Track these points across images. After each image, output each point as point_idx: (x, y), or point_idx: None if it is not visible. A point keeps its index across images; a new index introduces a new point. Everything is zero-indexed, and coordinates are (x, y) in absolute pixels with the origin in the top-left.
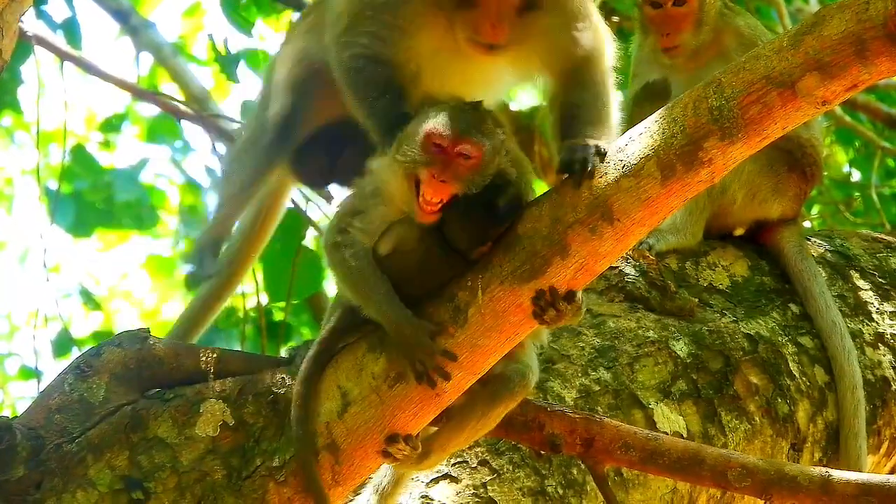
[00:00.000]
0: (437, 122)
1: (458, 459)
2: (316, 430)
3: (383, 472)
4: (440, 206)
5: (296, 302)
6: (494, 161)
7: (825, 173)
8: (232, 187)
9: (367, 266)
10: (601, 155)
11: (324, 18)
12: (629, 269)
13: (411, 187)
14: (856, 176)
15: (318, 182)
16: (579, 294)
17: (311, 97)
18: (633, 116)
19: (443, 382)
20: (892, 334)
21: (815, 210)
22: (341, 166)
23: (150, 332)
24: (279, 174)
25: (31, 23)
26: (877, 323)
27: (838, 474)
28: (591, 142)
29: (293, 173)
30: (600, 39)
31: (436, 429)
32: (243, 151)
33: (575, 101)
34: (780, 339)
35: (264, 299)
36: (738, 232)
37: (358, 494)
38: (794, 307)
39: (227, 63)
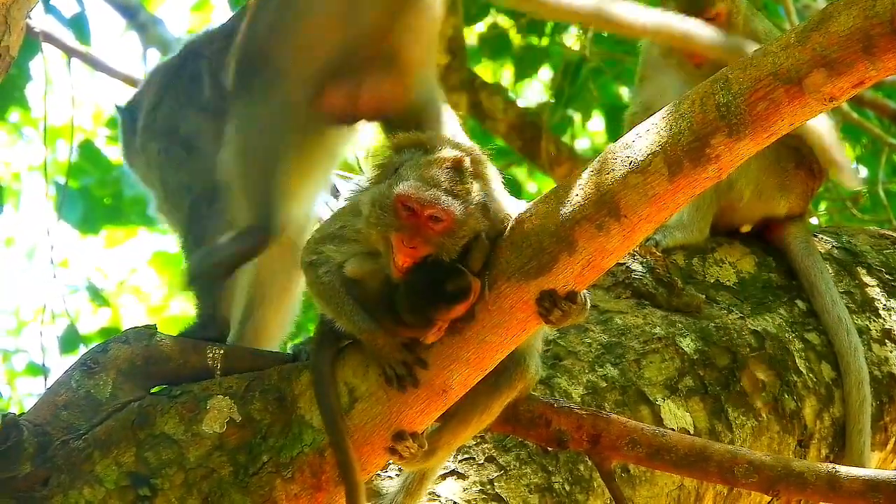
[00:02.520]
0: (407, 186)
1: (465, 456)
2: (314, 426)
3: (396, 484)
4: (408, 268)
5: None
6: (468, 223)
7: None
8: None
9: (339, 283)
10: None
11: None
12: (636, 266)
13: (386, 244)
14: (863, 172)
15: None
16: (582, 293)
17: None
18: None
19: (451, 378)
20: None
21: (821, 206)
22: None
23: (157, 328)
24: None
25: (38, 19)
26: (883, 319)
27: (845, 470)
28: None
29: None
30: None
31: (438, 423)
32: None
33: None
34: (786, 335)
35: None
36: (745, 228)
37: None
38: (800, 303)
39: None
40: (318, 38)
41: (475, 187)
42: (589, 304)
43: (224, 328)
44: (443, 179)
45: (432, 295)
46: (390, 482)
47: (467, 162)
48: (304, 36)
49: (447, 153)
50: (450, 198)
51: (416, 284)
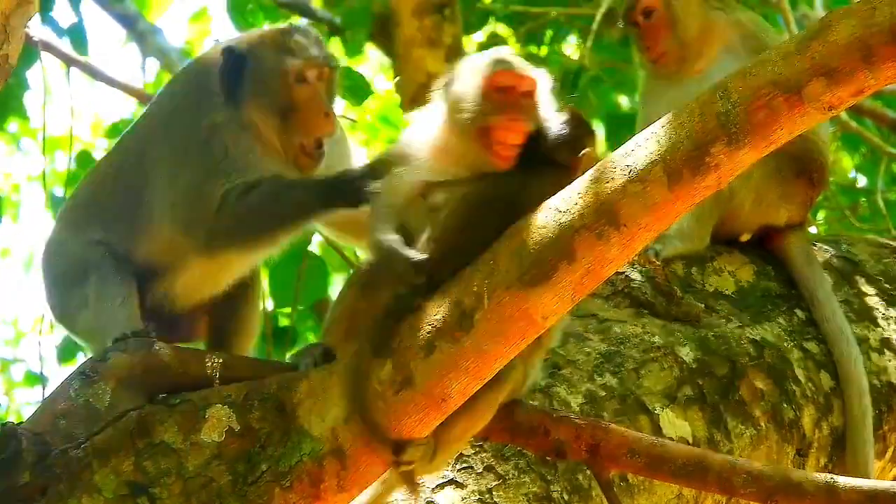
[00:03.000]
0: (493, 69)
1: (464, 465)
2: (312, 435)
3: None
4: (516, 149)
5: (302, 308)
6: (548, 98)
7: (831, 179)
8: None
9: (378, 204)
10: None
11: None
12: (635, 275)
13: (477, 142)
14: (862, 181)
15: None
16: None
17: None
18: None
19: (449, 387)
20: None
21: (820, 215)
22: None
23: (156, 337)
24: None
25: (37, 28)
26: (882, 328)
27: (844, 480)
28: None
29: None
30: None
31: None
32: (94, 274)
33: None
34: (785, 344)
35: (270, 305)
36: (745, 237)
37: None
38: (799, 313)
39: None
40: None
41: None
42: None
43: None
44: (520, 61)
45: (580, 129)
46: None
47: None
48: None
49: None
50: (530, 69)
51: (560, 132)
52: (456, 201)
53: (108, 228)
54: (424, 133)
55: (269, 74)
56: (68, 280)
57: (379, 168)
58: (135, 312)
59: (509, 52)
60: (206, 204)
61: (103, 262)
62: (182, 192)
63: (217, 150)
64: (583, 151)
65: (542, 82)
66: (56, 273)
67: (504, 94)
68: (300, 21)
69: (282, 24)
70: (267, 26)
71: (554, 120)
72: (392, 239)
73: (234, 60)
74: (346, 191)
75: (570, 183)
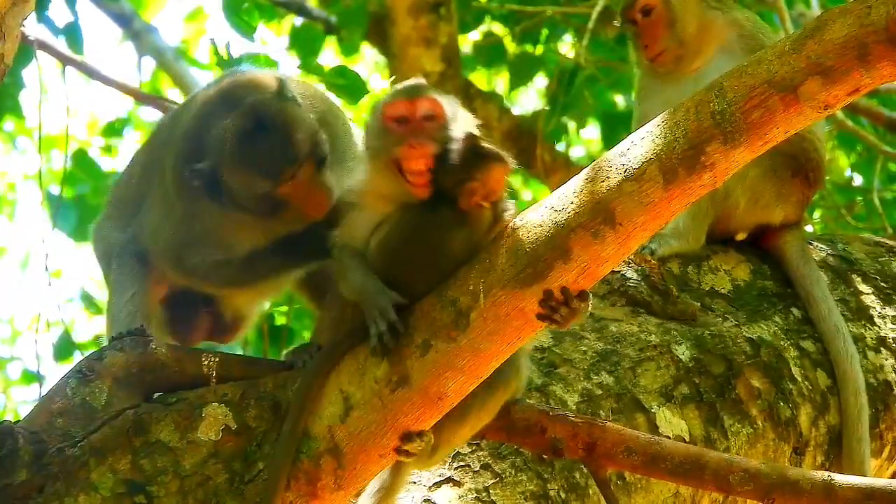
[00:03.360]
0: (388, 101)
1: (461, 463)
2: (309, 434)
3: (373, 486)
4: (428, 174)
5: (297, 306)
6: (456, 115)
7: (827, 178)
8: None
9: (344, 253)
10: None
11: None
12: (631, 274)
13: (395, 172)
14: (858, 180)
15: (196, 336)
16: (590, 293)
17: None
18: None
19: (446, 385)
20: (894, 338)
21: (817, 214)
22: (225, 319)
23: (152, 336)
24: None
25: (32, 27)
26: (879, 327)
27: (840, 478)
28: None
29: (172, 334)
30: None
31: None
32: (116, 267)
33: None
34: (782, 343)
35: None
36: (741, 236)
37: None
38: (796, 311)
39: (230, 67)
40: None
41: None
42: (590, 306)
43: None
44: (417, 86)
45: (478, 159)
46: None
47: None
48: None
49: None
50: (431, 93)
51: (453, 159)
52: (376, 246)
53: (131, 225)
54: (359, 176)
55: (243, 193)
56: (103, 263)
57: (338, 215)
58: (139, 310)
59: (415, 81)
60: (180, 263)
61: (123, 253)
62: (163, 244)
63: (197, 229)
64: (468, 193)
65: (445, 104)
66: (97, 255)
67: (401, 125)
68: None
69: (245, 101)
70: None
71: (454, 144)
72: (369, 280)
73: (203, 178)
74: (314, 247)
75: (463, 218)
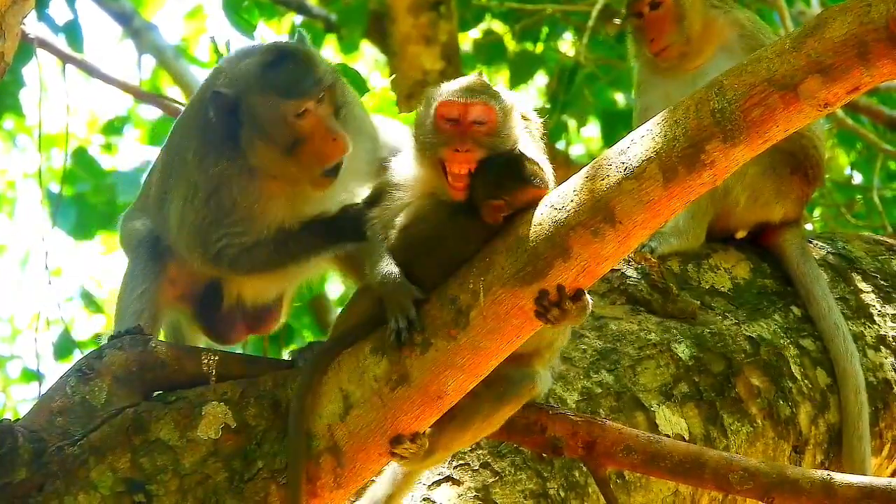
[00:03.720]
0: (443, 100)
1: (460, 462)
2: (309, 432)
3: (378, 486)
4: (468, 178)
5: (297, 304)
6: (508, 122)
7: (827, 176)
8: (129, 309)
9: (374, 235)
10: None
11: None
12: (631, 272)
13: (438, 170)
14: (857, 178)
15: (236, 334)
16: (587, 294)
17: (164, 263)
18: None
19: (445, 384)
20: (893, 337)
21: (816, 212)
22: (256, 312)
23: (151, 335)
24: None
25: (32, 25)
26: (878, 325)
27: (840, 477)
28: None
29: (213, 337)
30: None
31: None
32: (132, 261)
33: None
34: (781, 341)
35: None
36: (740, 234)
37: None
38: (795, 310)
39: None
40: None
41: (505, 94)
42: (590, 307)
43: None
44: (472, 86)
45: (512, 179)
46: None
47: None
48: None
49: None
50: (487, 97)
51: (489, 164)
52: (399, 231)
53: (154, 219)
54: (405, 161)
55: (265, 119)
56: (126, 255)
57: (375, 198)
58: (146, 309)
59: (474, 78)
60: (206, 249)
61: (140, 247)
62: (188, 229)
63: (225, 201)
64: (493, 209)
65: (498, 110)
66: (122, 246)
67: (452, 125)
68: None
69: (264, 43)
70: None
71: (499, 153)
72: (394, 273)
73: (224, 106)
74: (348, 227)
75: (488, 227)
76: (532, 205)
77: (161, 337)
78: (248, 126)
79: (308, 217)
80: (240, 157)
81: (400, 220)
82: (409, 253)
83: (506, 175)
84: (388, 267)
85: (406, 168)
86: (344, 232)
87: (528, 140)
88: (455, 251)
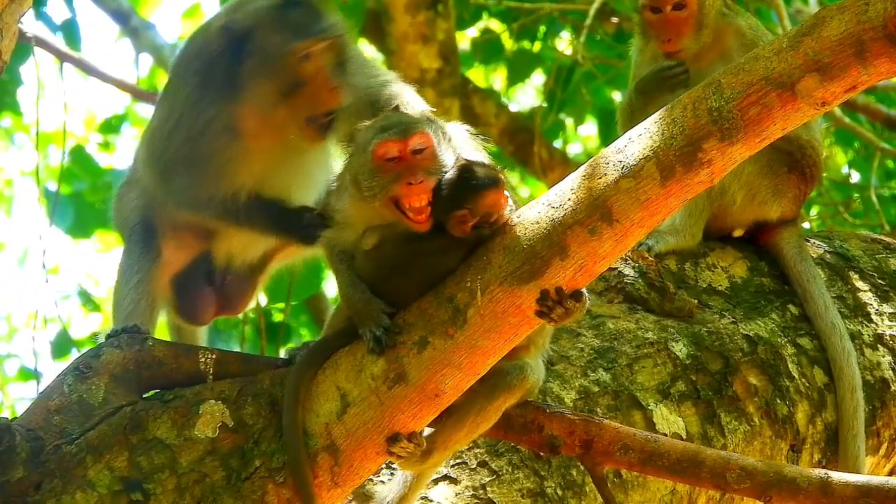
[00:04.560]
0: (378, 142)
1: (458, 461)
2: (306, 432)
3: (388, 489)
4: (428, 208)
5: (295, 303)
6: (443, 140)
7: (824, 174)
8: (125, 300)
9: (335, 257)
10: None
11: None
12: (628, 271)
13: (392, 209)
14: (855, 177)
15: (204, 317)
16: (584, 292)
17: (157, 248)
18: (635, 112)
19: (443, 383)
20: (891, 335)
21: (814, 211)
22: (228, 292)
23: (149, 333)
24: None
25: (30, 24)
26: (876, 324)
27: (837, 476)
28: None
29: (179, 316)
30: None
31: (432, 430)
32: (126, 254)
33: None
34: (779, 340)
35: (263, 300)
36: (738, 233)
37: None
38: (793, 308)
39: None
40: None
41: (431, 120)
42: (587, 304)
43: None
44: (399, 119)
45: (467, 188)
46: (382, 487)
47: (403, 103)
48: None
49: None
50: (416, 123)
51: (446, 188)
52: (366, 257)
53: (143, 191)
54: (346, 204)
55: (272, 56)
56: (121, 236)
57: (328, 214)
58: (143, 298)
59: (393, 114)
60: (167, 180)
61: (133, 232)
62: (157, 148)
63: (203, 150)
64: (457, 222)
65: (431, 133)
66: (116, 227)
67: (394, 163)
68: None
69: None
70: None
71: (445, 172)
72: (361, 294)
73: (233, 41)
74: (298, 230)
75: (458, 241)
76: (496, 206)
77: (159, 327)
78: (253, 62)
79: (270, 195)
80: (234, 104)
81: (366, 240)
82: (381, 273)
83: (459, 186)
84: (350, 287)
85: (347, 208)
86: (293, 230)
87: (463, 143)
88: (432, 269)
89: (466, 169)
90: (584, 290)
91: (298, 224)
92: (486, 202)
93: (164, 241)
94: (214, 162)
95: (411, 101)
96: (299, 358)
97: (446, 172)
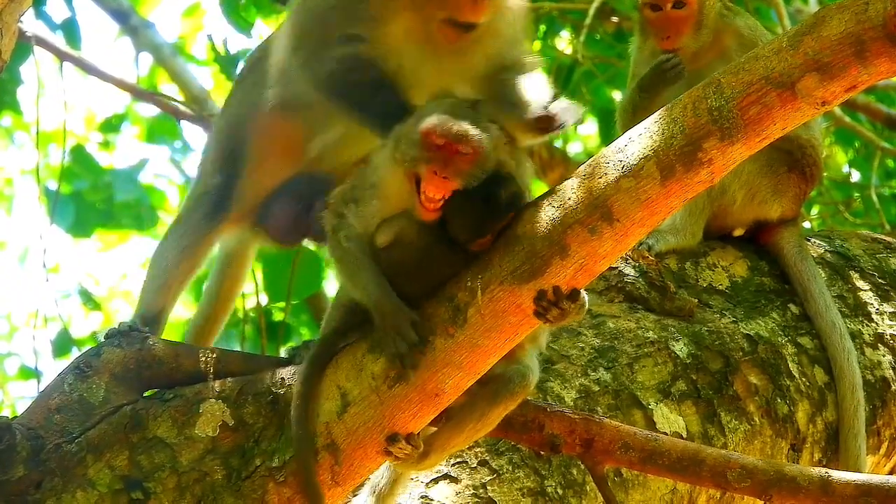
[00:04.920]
0: (434, 120)
1: (458, 460)
2: (315, 430)
3: (381, 474)
4: (441, 202)
5: (295, 302)
6: (492, 155)
7: (825, 174)
8: (164, 262)
9: (357, 249)
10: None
11: (265, 73)
12: (629, 270)
13: (412, 185)
14: (855, 176)
15: (291, 238)
16: (583, 293)
17: (247, 164)
18: (637, 109)
19: (443, 382)
20: (891, 335)
21: (814, 210)
22: (314, 219)
23: (149, 332)
24: (233, 239)
25: (30, 23)
26: (876, 323)
27: (838, 475)
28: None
29: (263, 234)
30: None
31: (434, 429)
32: (176, 226)
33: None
34: (779, 339)
35: (264, 299)
36: (738, 232)
37: (356, 495)
38: (793, 307)
39: (227, 63)
40: None
41: (495, 126)
42: (586, 305)
43: None
44: (467, 114)
45: (487, 209)
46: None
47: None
48: None
49: (459, 97)
50: (476, 129)
51: (467, 204)
52: (383, 248)
53: (221, 171)
54: (383, 165)
55: None
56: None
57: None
58: (182, 261)
59: (471, 103)
60: (305, 53)
61: (186, 217)
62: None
63: (346, 17)
64: (478, 242)
65: (485, 142)
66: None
67: (437, 146)
68: None
69: None
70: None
71: (482, 188)
72: (390, 296)
73: None
74: (388, 122)
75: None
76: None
77: (168, 327)
78: None
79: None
80: None
81: (380, 236)
82: (389, 273)
83: (486, 213)
84: (377, 287)
85: (381, 171)
86: (385, 120)
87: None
88: (439, 274)
89: (495, 191)
90: (581, 291)
91: (394, 117)
92: (509, 221)
93: (254, 166)
94: (363, 24)
95: (537, 87)
96: (307, 355)
97: (473, 185)
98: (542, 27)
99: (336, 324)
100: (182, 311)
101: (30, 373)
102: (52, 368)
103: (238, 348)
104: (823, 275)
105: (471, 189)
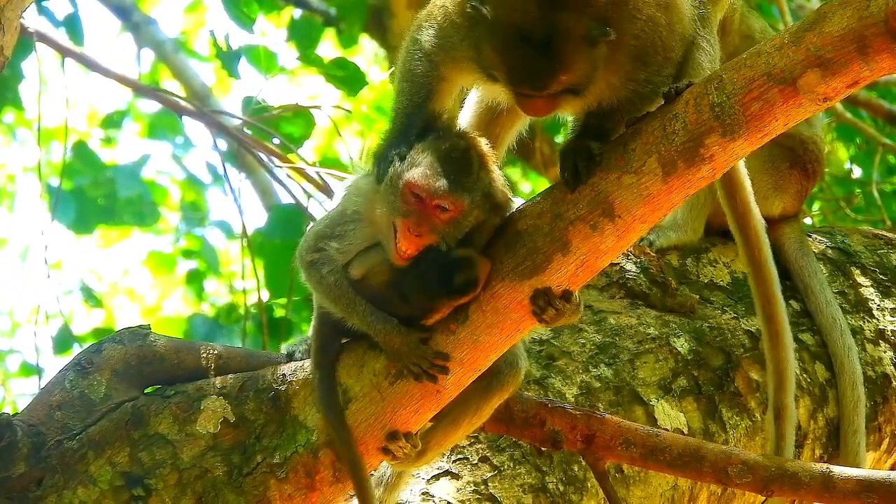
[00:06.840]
0: (418, 173)
1: (459, 456)
2: (307, 426)
3: (386, 465)
4: (413, 255)
5: (297, 298)
6: (472, 213)
7: (826, 170)
8: None
9: (344, 281)
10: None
11: None
12: (630, 266)
13: (390, 228)
14: (857, 172)
15: None
16: (576, 293)
17: None
18: None
19: (444, 379)
20: (892, 331)
21: (815, 207)
22: None
23: (151, 328)
24: None
25: (32, 19)
26: (877, 319)
27: (839, 470)
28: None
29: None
30: None
31: (431, 423)
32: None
33: None
34: None
35: (265, 296)
36: None
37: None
38: (794, 304)
39: (229, 59)
40: None
41: (482, 178)
42: (582, 305)
43: None
44: (452, 169)
45: (440, 285)
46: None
47: (475, 152)
48: None
49: (456, 142)
50: (458, 189)
51: (425, 274)
52: (361, 276)
53: None
54: (368, 192)
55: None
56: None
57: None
58: None
59: (460, 156)
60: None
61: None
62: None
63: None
64: (430, 316)
65: (466, 203)
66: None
67: (416, 200)
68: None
69: None
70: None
71: (441, 265)
72: (394, 326)
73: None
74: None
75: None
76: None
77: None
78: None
79: None
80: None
81: (354, 269)
82: (373, 301)
83: (439, 292)
84: (384, 323)
85: (369, 201)
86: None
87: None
88: (417, 306)
89: (451, 267)
90: (575, 292)
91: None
92: (452, 306)
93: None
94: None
95: None
96: (315, 353)
97: (445, 245)
98: None
99: (323, 339)
100: (182, 310)
101: (31, 369)
102: (54, 365)
103: (239, 345)
104: (824, 271)
105: (431, 262)
